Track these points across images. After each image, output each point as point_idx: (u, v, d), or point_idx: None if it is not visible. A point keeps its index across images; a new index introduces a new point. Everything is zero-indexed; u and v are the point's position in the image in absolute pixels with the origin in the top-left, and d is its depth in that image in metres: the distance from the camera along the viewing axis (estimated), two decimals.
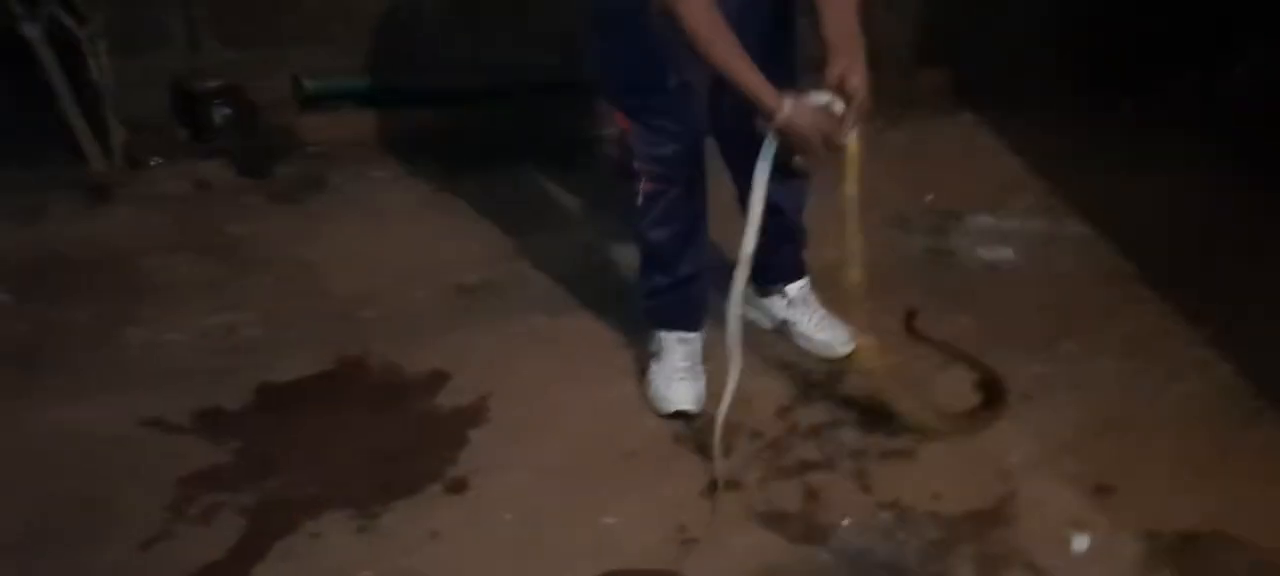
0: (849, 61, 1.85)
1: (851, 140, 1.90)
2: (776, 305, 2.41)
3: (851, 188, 1.98)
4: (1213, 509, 1.95)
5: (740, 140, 2.15)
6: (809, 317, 2.39)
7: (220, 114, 3.11)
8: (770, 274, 2.38)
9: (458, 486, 2.04)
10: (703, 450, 2.10)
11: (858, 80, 1.85)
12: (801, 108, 1.84)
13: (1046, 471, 2.06)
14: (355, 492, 2.01)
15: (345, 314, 2.54)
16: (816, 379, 2.31)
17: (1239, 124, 3.16)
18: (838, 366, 2.34)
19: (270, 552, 1.89)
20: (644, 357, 2.30)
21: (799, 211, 2.32)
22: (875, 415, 2.20)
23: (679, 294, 2.23)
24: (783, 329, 2.42)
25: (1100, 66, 3.37)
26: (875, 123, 3.20)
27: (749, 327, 2.43)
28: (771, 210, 2.24)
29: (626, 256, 2.59)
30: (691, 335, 2.26)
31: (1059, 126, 3.23)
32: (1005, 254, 2.75)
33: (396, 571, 1.85)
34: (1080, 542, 1.89)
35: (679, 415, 2.20)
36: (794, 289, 2.39)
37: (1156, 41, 3.36)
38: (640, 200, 2.12)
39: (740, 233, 2.00)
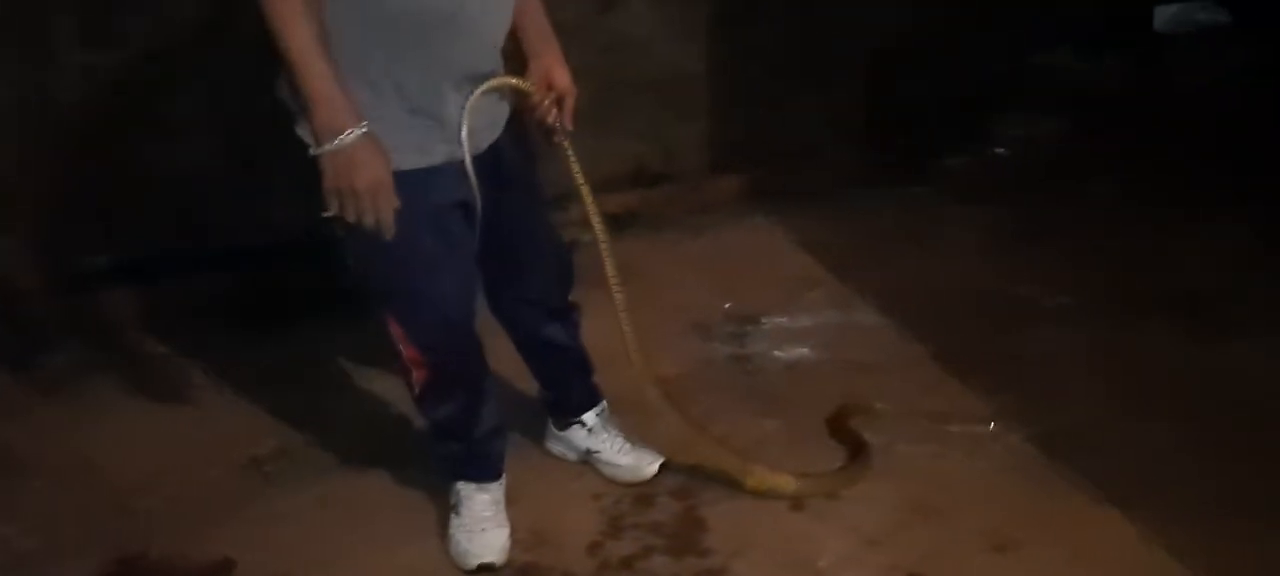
0: (552, 60, 1.90)
1: (567, 142, 1.93)
2: (578, 436, 2.37)
3: (585, 192, 1.99)
4: None
5: (511, 285, 2.13)
6: (611, 444, 2.36)
7: None
8: (566, 408, 2.35)
9: None
10: None
11: (564, 76, 1.90)
12: (370, 147, 1.65)
13: (856, 569, 2.07)
14: None
15: (126, 507, 2.35)
16: (625, 509, 2.27)
17: (1011, 194, 3.37)
18: (644, 491, 2.31)
19: None
20: (445, 513, 2.21)
21: (578, 342, 2.30)
22: (685, 534, 2.18)
23: (478, 453, 2.16)
24: (588, 459, 2.37)
25: (878, 156, 3.54)
26: (672, 235, 3.37)
27: (554, 465, 2.41)
28: (550, 349, 2.25)
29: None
30: (493, 484, 2.19)
31: (845, 219, 3.35)
32: (802, 352, 2.80)
33: None
34: None
35: (485, 568, 2.12)
36: (591, 416, 2.36)
37: (929, 126, 3.57)
38: (416, 390, 2.04)
39: None
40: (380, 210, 1.68)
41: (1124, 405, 2.43)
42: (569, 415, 2.36)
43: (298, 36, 1.59)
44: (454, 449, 2.14)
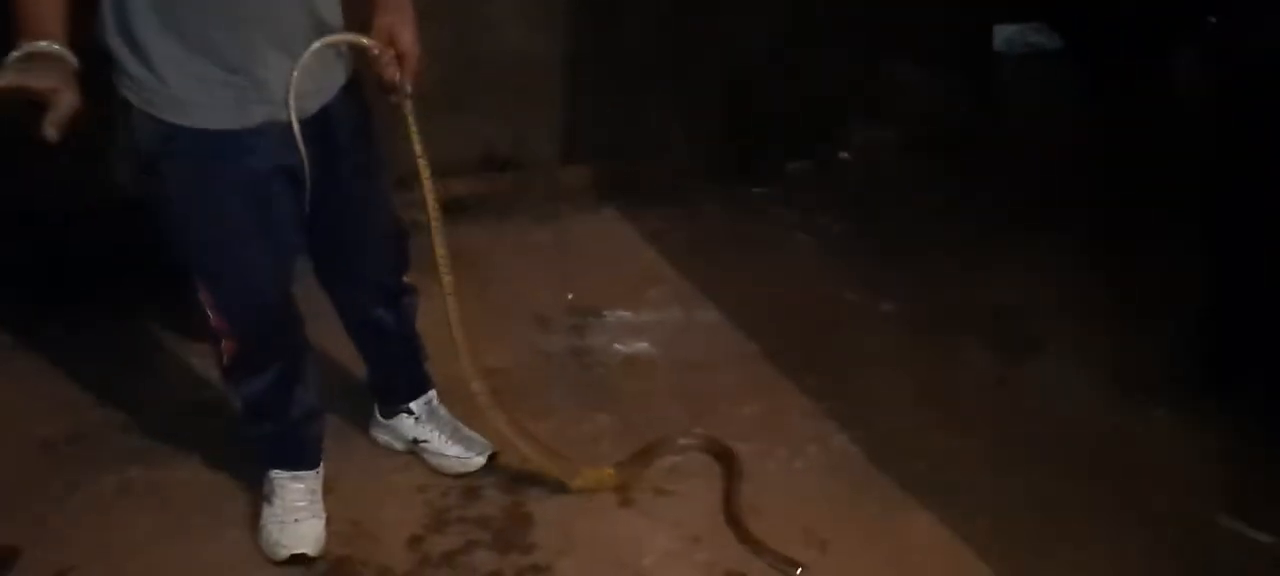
0: (397, 17, 1.76)
1: (407, 106, 1.82)
2: (405, 425, 2.29)
3: (422, 165, 1.90)
4: None
5: (340, 262, 2.04)
6: (439, 433, 2.29)
7: None
8: (394, 396, 2.27)
9: None
10: None
11: (408, 35, 1.76)
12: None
13: (679, 566, 2.06)
14: None
15: None
16: (450, 502, 2.21)
17: (849, 202, 3.44)
18: (472, 483, 2.25)
19: None
20: (258, 502, 2.11)
21: (411, 327, 2.22)
22: (511, 530, 2.14)
23: (292, 437, 2.07)
24: (415, 449, 2.30)
25: (728, 157, 3.56)
26: (519, 223, 3.32)
27: (379, 454, 2.33)
28: (379, 331, 2.16)
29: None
30: (308, 472, 2.09)
31: (693, 218, 3.36)
32: (642, 346, 2.78)
33: None
34: None
35: (297, 560, 2.03)
36: (419, 405, 2.29)
37: (777, 130, 3.61)
38: (225, 361, 1.94)
39: None
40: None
41: (940, 413, 2.49)
42: (396, 402, 2.28)
43: None
44: (266, 431, 2.04)
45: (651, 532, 2.16)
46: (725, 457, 2.33)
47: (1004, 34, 4.11)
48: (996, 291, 2.93)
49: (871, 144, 3.78)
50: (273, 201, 1.79)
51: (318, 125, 1.78)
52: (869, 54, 3.75)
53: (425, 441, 2.28)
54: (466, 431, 2.31)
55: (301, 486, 2.08)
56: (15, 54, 1.52)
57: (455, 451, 2.28)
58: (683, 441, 2.38)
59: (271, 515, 2.06)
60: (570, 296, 2.97)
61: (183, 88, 1.65)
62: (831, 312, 2.91)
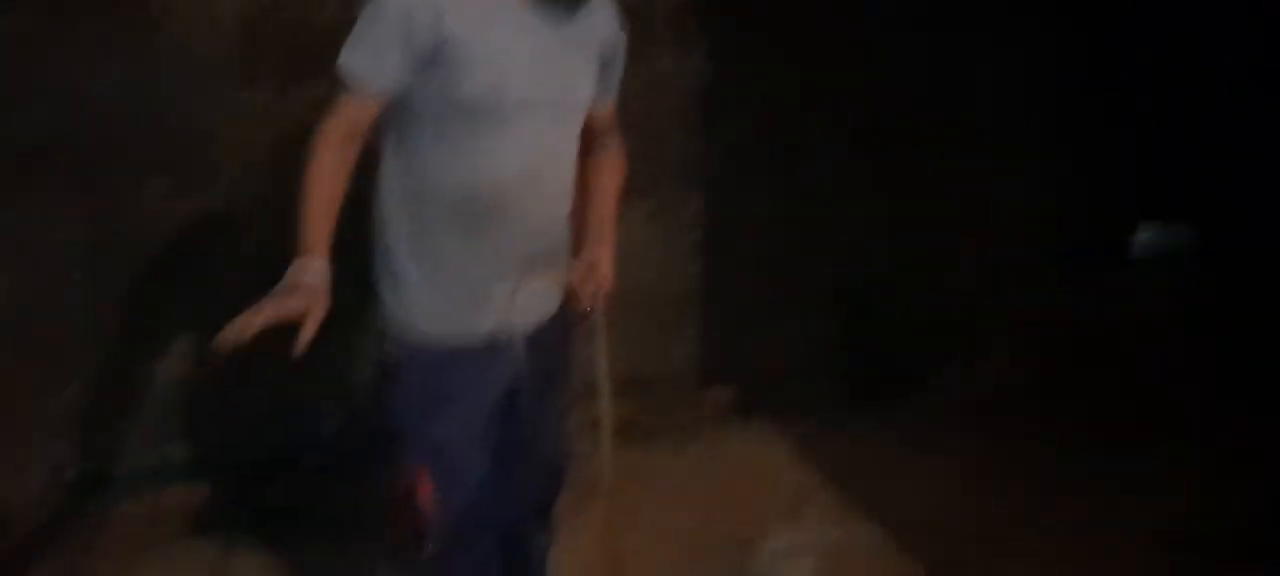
0: (602, 249, 1.99)
1: (599, 327, 1.99)
2: None
3: (604, 385, 2.04)
4: None
5: (511, 470, 2.12)
6: None
7: None
8: None
9: None
10: None
11: (607, 268, 1.98)
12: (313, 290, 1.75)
13: None
14: None
15: None
16: None
17: (986, 422, 3.41)
18: None
19: None
20: None
21: (545, 559, 2.29)
22: None
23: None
24: None
25: (870, 373, 3.60)
26: (667, 444, 3.37)
27: None
28: (513, 549, 2.22)
29: None
30: None
31: (839, 432, 3.37)
32: (805, 570, 2.77)
33: None
34: None
35: None
36: None
37: (905, 353, 3.64)
38: (425, 559, 2.03)
39: None
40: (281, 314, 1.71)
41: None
42: None
43: (316, 168, 1.79)
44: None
45: None
46: None
47: (1142, 236, 4.10)
48: (1168, 505, 2.85)
49: (1004, 359, 3.77)
50: (491, 407, 1.96)
51: (537, 336, 1.97)
52: (999, 263, 3.79)
53: None
54: None
55: None
56: (285, 281, 1.73)
57: None
58: None
59: None
60: (725, 527, 2.99)
61: (432, 306, 1.87)
62: (993, 530, 2.86)
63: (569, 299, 1.99)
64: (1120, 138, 3.89)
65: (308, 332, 1.71)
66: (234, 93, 2.79)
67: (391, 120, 1.87)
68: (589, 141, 2.06)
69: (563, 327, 2.04)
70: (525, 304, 1.92)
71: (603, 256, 1.98)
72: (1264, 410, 3.23)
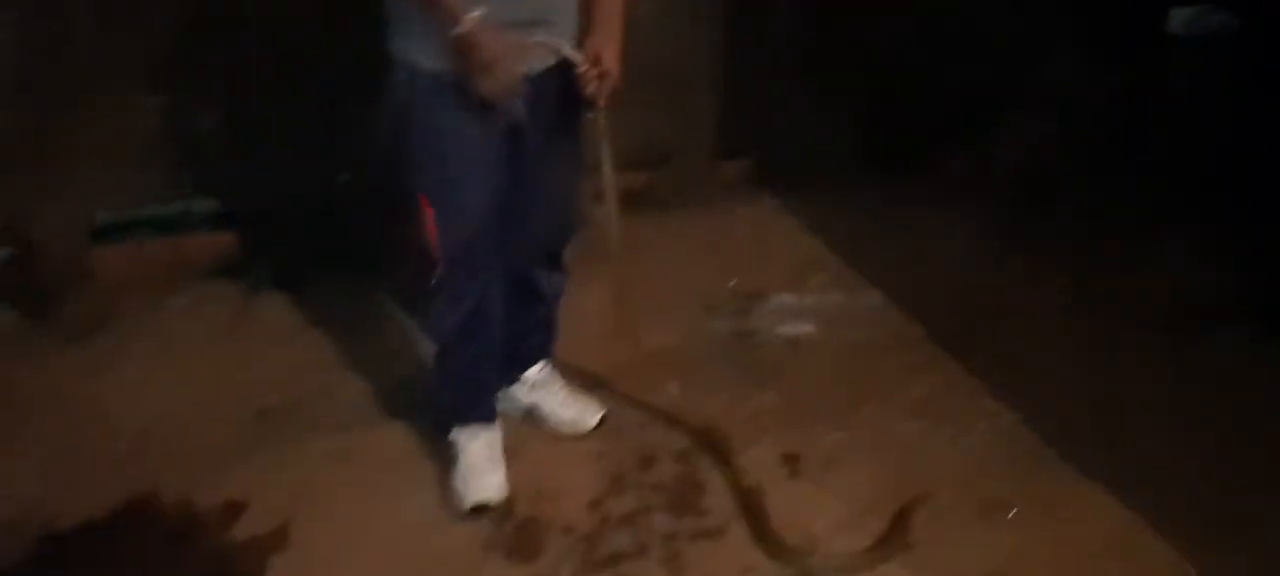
0: (605, 39, 2.01)
1: (601, 117, 2.06)
2: (519, 392, 2.44)
3: (606, 166, 2.12)
4: (1005, 552, 2.05)
5: (521, 214, 2.18)
6: (553, 398, 2.43)
7: None
8: (515, 363, 2.42)
9: None
10: (513, 554, 2.09)
11: (612, 57, 2.01)
12: (488, 30, 1.85)
13: (850, 534, 2.12)
14: None
15: (136, 452, 2.41)
16: (626, 469, 2.33)
17: (1011, 193, 3.40)
18: (646, 453, 2.36)
19: None
20: (448, 466, 2.27)
21: (556, 298, 2.38)
22: (686, 495, 2.24)
23: (472, 386, 2.25)
24: (531, 415, 2.44)
25: (887, 148, 3.57)
26: (680, 215, 3.42)
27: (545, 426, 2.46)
28: (531, 295, 2.31)
29: (428, 367, 2.61)
30: (487, 427, 2.26)
31: (852, 206, 3.39)
32: (805, 329, 2.85)
33: None
34: None
35: (480, 510, 2.18)
36: (534, 372, 2.43)
37: (936, 124, 3.60)
38: (434, 281, 2.13)
39: None
40: (501, 75, 1.88)
41: (1114, 396, 2.46)
42: (517, 369, 2.43)
43: None
44: (452, 374, 2.23)
45: (822, 502, 2.22)
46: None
47: (1179, 17, 3.97)
48: (1166, 277, 2.86)
49: (1033, 134, 3.73)
50: (493, 142, 2.00)
51: (539, 85, 1.98)
52: (1033, 42, 3.70)
53: (539, 405, 2.43)
54: (578, 396, 2.45)
55: (482, 442, 2.24)
56: (477, 57, 1.85)
57: (569, 414, 2.41)
58: None
59: (457, 472, 2.23)
60: (733, 282, 3.06)
61: (437, 44, 1.88)
62: (996, 297, 2.89)
63: (579, 80, 2.01)
64: None
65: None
66: None
67: None
68: None
69: (567, 86, 2.05)
70: (527, 52, 1.94)
71: (608, 51, 1.99)
72: None
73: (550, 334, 2.44)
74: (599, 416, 2.43)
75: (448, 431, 2.28)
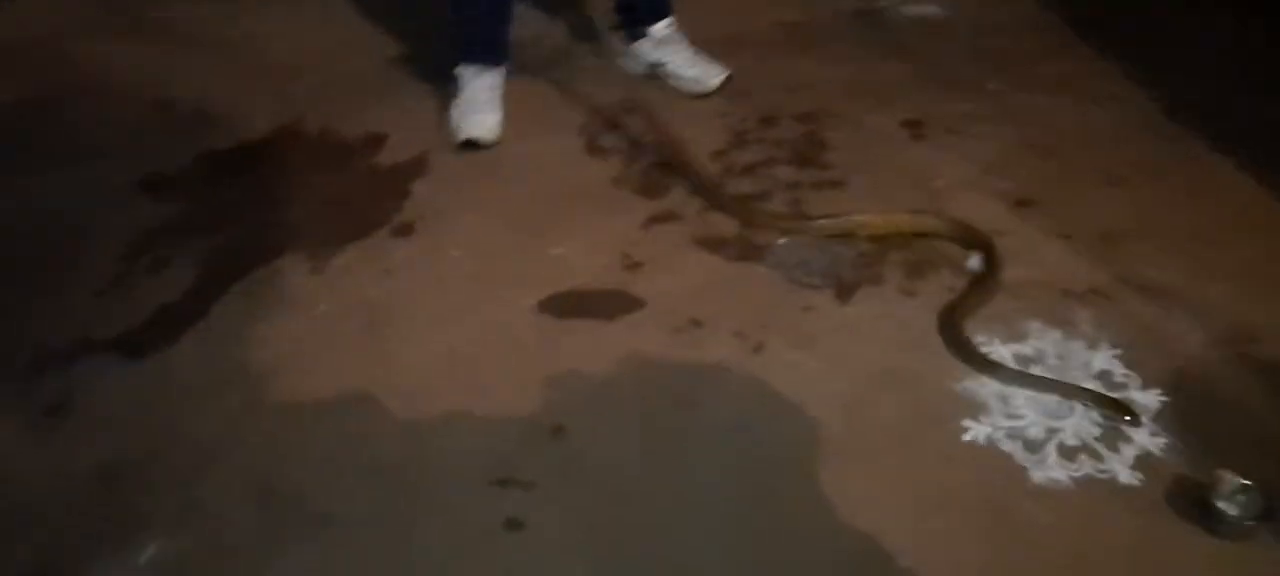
0: None
1: None
2: (644, 49, 2.46)
3: None
4: (1127, 212, 2.07)
5: None
6: (678, 55, 2.44)
7: None
8: (635, 15, 2.43)
9: (405, 230, 2.09)
10: (640, 191, 2.17)
11: None
12: None
13: (971, 190, 2.15)
14: (304, 238, 2.05)
15: (278, 88, 2.54)
16: (749, 126, 2.37)
17: None
18: (770, 114, 2.40)
19: (227, 292, 1.93)
20: (586, 117, 2.36)
21: None
22: (808, 150, 2.29)
23: (482, 24, 2.29)
24: (655, 72, 2.47)
25: None
26: None
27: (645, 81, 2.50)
28: None
29: (556, 28, 2.69)
30: (491, 69, 2.31)
31: None
32: (931, 9, 2.80)
33: (353, 303, 1.90)
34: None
35: (470, 144, 2.26)
36: (660, 28, 2.44)
37: None
38: None
39: None
40: None
41: (1246, 78, 2.41)
42: (638, 25, 2.44)
43: None
44: (466, 12, 2.28)
45: (943, 162, 2.24)
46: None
47: None
48: None
49: None
50: None
51: None
52: None
53: (664, 63, 2.45)
54: (704, 56, 2.46)
55: (484, 81, 2.30)
56: None
57: (693, 73, 2.43)
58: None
59: (457, 104, 2.30)
60: None
61: None
62: None
63: None
64: None
65: None
66: None
67: None
68: None
69: None
70: None
71: None
72: None
73: None
74: (723, 76, 2.45)
75: (455, 64, 2.33)
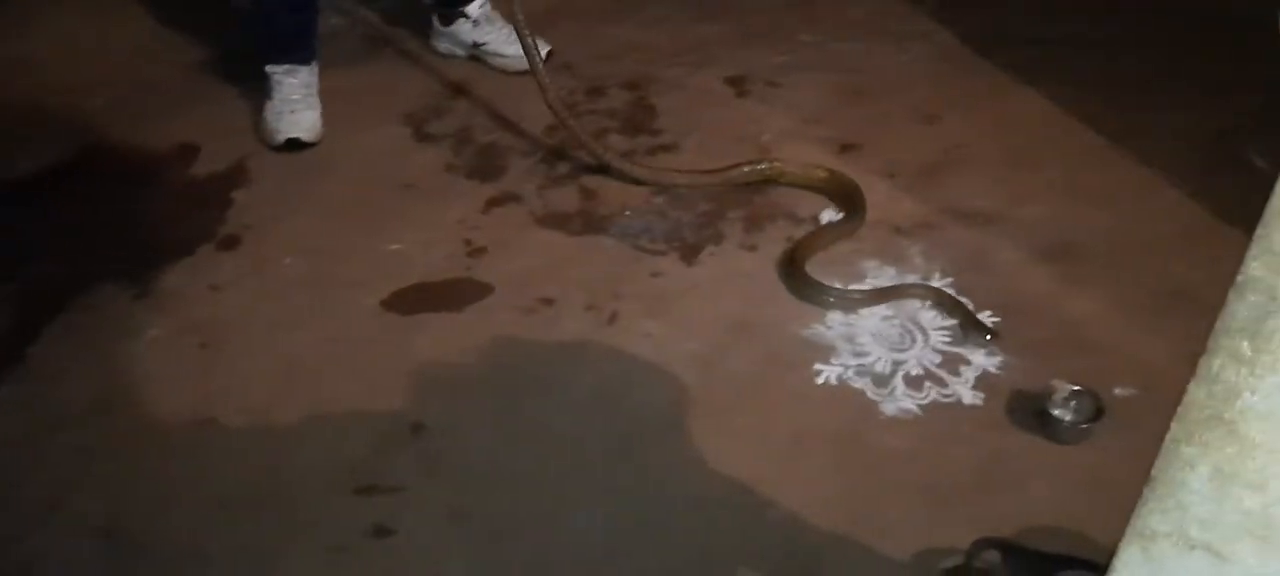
0: None
1: None
2: (463, 30, 2.43)
3: None
4: (944, 146, 2.17)
5: None
6: (497, 34, 2.42)
7: None
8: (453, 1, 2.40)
9: (231, 242, 1.99)
10: (474, 175, 2.14)
11: None
12: None
13: (797, 140, 2.22)
14: (123, 263, 1.93)
15: (72, 106, 2.37)
16: (578, 98, 2.36)
17: None
18: (596, 84, 2.40)
19: (44, 332, 1.80)
20: (410, 105, 2.31)
21: None
22: (638, 117, 2.30)
23: (288, 20, 2.22)
24: (476, 52, 2.45)
25: None
26: None
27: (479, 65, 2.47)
28: None
29: (367, 14, 2.65)
30: (304, 67, 2.25)
31: None
32: None
33: (184, 325, 1.81)
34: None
35: (293, 144, 2.21)
36: (475, 8, 2.42)
37: None
38: None
39: None
40: None
41: (1047, 6, 2.57)
42: (452, 8, 2.41)
43: None
44: (273, 22, 2.22)
45: (767, 115, 2.30)
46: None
47: None
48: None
49: None
50: None
51: None
52: None
53: (484, 43, 2.43)
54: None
55: (297, 80, 2.23)
56: None
57: (514, 50, 2.38)
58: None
59: (270, 107, 2.22)
60: None
61: None
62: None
63: None
64: None
65: None
66: None
67: None
68: None
69: None
70: None
71: None
72: None
73: None
74: (545, 51, 2.43)
75: (266, 58, 2.25)
